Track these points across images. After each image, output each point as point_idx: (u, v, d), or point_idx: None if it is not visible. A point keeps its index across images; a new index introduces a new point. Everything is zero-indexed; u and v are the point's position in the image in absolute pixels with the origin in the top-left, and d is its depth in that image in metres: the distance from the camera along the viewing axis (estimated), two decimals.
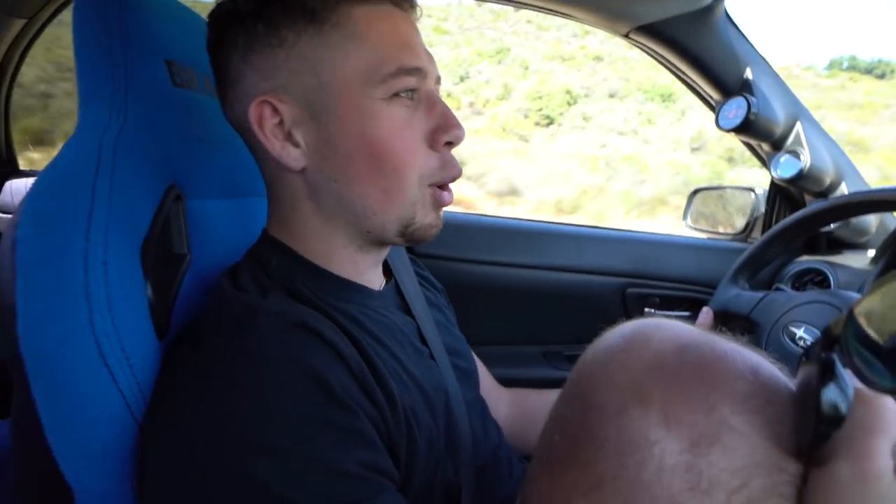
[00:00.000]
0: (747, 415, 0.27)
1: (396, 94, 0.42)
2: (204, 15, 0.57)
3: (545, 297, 1.07)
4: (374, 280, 0.52)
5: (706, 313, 0.76)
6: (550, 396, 0.76)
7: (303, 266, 0.46)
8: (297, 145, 0.43)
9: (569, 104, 13.73)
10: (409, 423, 0.42)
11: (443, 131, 0.44)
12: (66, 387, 0.35)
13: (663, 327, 0.31)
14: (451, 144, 0.45)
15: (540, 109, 13.57)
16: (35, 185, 0.37)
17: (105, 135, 0.41)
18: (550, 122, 13.35)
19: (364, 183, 0.43)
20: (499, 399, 0.74)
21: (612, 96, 14.04)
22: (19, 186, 1.19)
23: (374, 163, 0.42)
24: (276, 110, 0.42)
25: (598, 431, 0.28)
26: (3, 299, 0.35)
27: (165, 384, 0.38)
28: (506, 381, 0.78)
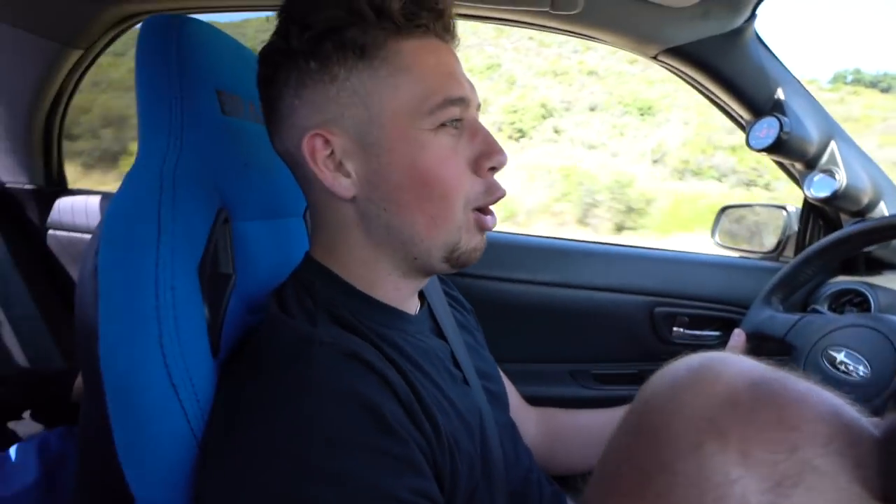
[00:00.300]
0: (832, 456, 0.27)
1: (443, 125, 0.44)
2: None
3: (572, 315, 1.07)
4: (411, 305, 0.53)
5: (738, 335, 0.75)
6: (579, 417, 0.76)
7: (345, 291, 0.47)
8: (347, 175, 0.45)
9: (543, 117, 13.79)
10: (451, 451, 0.43)
11: (486, 157, 0.46)
12: (137, 403, 0.37)
13: (731, 362, 0.31)
14: (494, 169, 0.47)
15: (513, 123, 13.65)
16: (109, 211, 0.40)
17: (165, 162, 0.44)
18: (522, 135, 13.44)
19: (413, 211, 0.44)
20: (526, 418, 0.74)
21: (592, 110, 14.04)
22: (67, 205, 1.25)
23: (424, 191, 0.44)
24: (327, 142, 0.44)
25: (673, 465, 0.28)
26: (88, 322, 0.38)
27: (225, 407, 0.39)
28: (531, 399, 0.78)
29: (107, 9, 0.99)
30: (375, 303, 0.48)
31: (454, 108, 0.44)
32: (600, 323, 1.07)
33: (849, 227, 0.69)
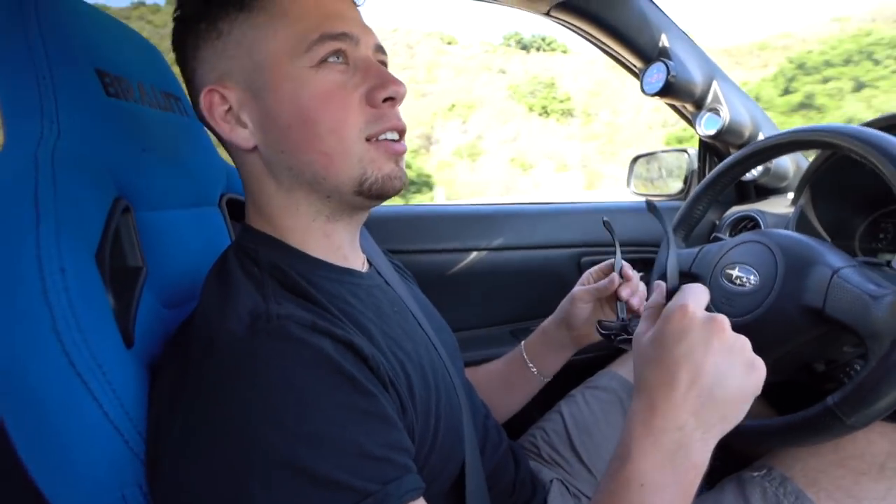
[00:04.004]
0: None
1: (324, 61, 0.44)
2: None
3: (505, 276, 1.10)
4: (355, 261, 0.53)
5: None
6: (482, 376, 0.79)
7: (288, 253, 0.47)
8: (245, 126, 0.46)
9: None
10: (413, 402, 0.45)
11: (380, 89, 0.45)
12: (36, 399, 0.34)
13: None
14: (392, 100, 0.46)
15: None
16: None
17: (39, 147, 0.40)
18: None
19: (306, 150, 0.45)
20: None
21: None
22: None
23: (310, 128, 0.44)
24: (223, 98, 0.45)
25: None
26: None
27: (175, 392, 0.37)
28: (480, 363, 0.81)
29: None
30: (321, 263, 0.48)
31: (333, 43, 0.44)
32: (533, 280, 1.12)
33: (725, 160, 0.76)
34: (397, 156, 0.47)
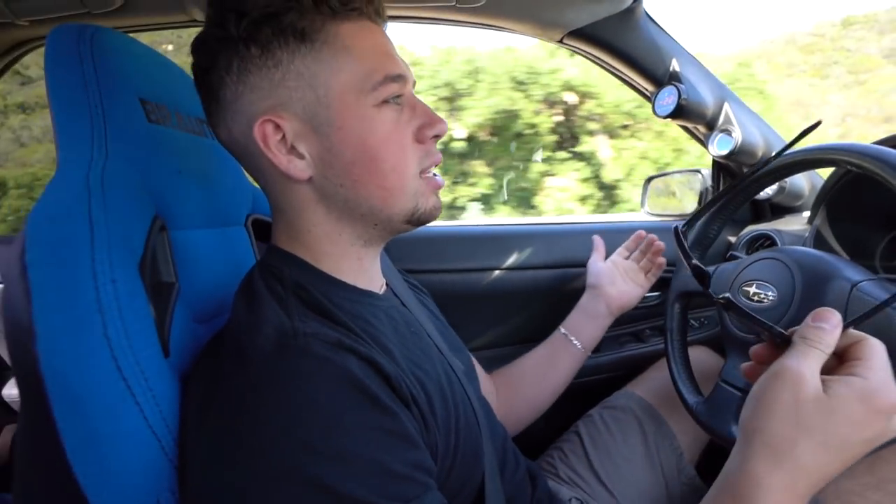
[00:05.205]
0: None
1: (385, 101, 0.46)
2: None
3: (520, 296, 1.10)
4: (376, 283, 0.54)
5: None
6: (523, 360, 0.82)
7: (315, 274, 0.49)
8: (301, 157, 0.45)
9: None
10: (435, 420, 0.45)
11: (429, 127, 0.48)
12: (85, 401, 0.36)
13: None
14: (437, 137, 0.49)
15: None
16: (32, 215, 0.39)
17: (91, 170, 0.43)
18: None
19: (368, 185, 0.46)
20: (490, 392, 0.77)
21: None
22: None
23: (375, 165, 0.46)
24: (278, 127, 0.44)
25: None
26: (20, 323, 0.37)
27: (207, 404, 0.39)
28: None
29: None
30: (341, 283, 0.50)
31: (394, 85, 0.46)
32: (549, 299, 1.12)
33: (735, 182, 0.77)
34: (438, 189, 0.51)
